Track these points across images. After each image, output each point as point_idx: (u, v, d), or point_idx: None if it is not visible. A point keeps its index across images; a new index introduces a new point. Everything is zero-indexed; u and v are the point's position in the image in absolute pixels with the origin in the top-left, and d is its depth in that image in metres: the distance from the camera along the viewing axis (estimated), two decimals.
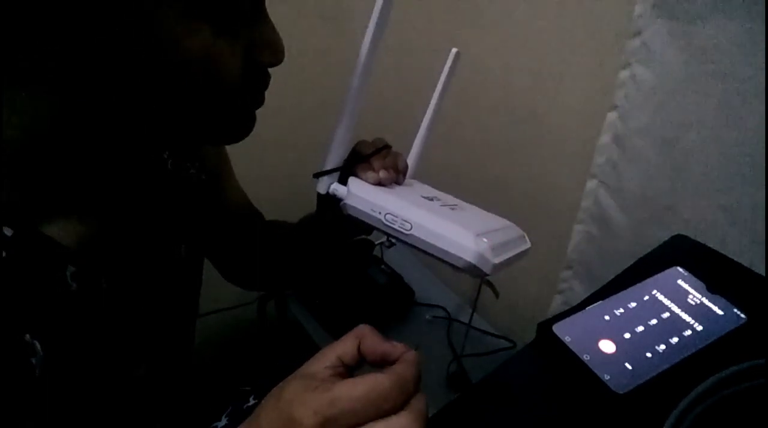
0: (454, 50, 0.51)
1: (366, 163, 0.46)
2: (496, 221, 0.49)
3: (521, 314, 1.06)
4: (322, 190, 0.46)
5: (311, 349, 0.35)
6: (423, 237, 0.43)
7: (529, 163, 0.88)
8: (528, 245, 0.49)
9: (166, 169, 0.48)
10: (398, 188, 0.48)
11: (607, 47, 0.69)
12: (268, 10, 0.37)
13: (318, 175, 0.46)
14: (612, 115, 0.69)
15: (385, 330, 1.03)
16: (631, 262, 0.58)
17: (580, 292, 0.83)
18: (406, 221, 0.43)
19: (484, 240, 0.41)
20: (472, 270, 0.40)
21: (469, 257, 0.40)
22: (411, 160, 0.56)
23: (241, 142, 0.42)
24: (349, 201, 0.45)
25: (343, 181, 0.46)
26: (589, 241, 0.78)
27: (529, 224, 0.89)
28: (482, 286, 1.05)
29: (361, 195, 0.45)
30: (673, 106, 0.62)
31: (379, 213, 0.44)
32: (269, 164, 1.09)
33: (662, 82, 0.62)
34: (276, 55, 0.37)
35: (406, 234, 0.43)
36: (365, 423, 0.29)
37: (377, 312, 1.04)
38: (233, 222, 0.64)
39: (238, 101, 0.37)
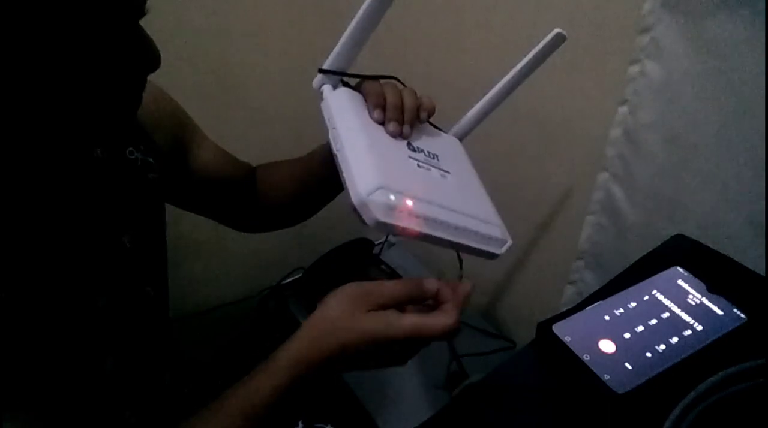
0: (556, 31, 0.48)
1: (373, 84, 0.47)
2: (469, 204, 0.47)
3: (521, 314, 1.06)
4: (315, 85, 0.47)
5: None
6: (340, 163, 0.42)
7: (541, 155, 0.88)
8: (497, 251, 0.46)
9: (93, 160, 0.47)
10: (386, 129, 0.47)
11: (617, 43, 0.69)
12: None
13: (322, 71, 0.46)
14: (623, 110, 0.70)
15: None
16: (641, 254, 0.58)
17: (592, 283, 0.83)
18: (338, 141, 0.43)
19: (391, 196, 0.39)
20: (358, 214, 0.39)
21: (356, 198, 0.39)
22: (463, 121, 0.55)
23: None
24: (323, 102, 0.46)
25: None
26: (600, 233, 0.79)
27: (541, 215, 0.89)
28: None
29: (330, 101, 0.46)
30: (682, 101, 0.63)
31: (330, 124, 0.44)
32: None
33: (671, 77, 0.63)
34: (148, 63, 0.37)
35: (336, 155, 0.43)
36: None
37: None
38: (215, 181, 0.64)
39: (115, 98, 0.37)
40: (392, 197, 0.39)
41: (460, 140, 0.57)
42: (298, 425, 0.88)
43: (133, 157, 0.51)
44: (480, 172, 0.54)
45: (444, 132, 0.57)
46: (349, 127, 0.44)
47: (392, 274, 1.12)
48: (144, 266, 0.52)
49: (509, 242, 0.47)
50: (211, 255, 1.15)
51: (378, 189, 0.39)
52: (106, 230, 0.47)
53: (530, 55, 0.49)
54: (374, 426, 0.85)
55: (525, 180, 0.92)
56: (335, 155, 0.43)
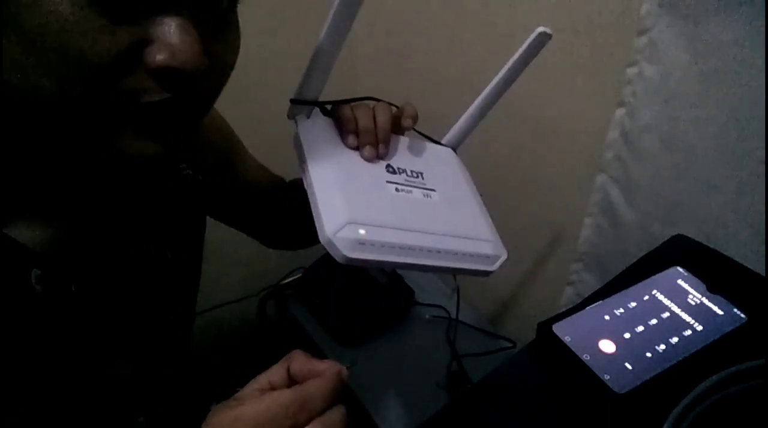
0: (539, 29, 0.45)
1: (344, 109, 0.46)
2: (456, 223, 0.45)
3: (521, 314, 1.06)
4: (288, 115, 0.46)
5: (311, 349, 0.35)
6: (310, 199, 0.41)
7: (539, 157, 0.88)
8: (489, 268, 0.44)
9: (153, 172, 0.47)
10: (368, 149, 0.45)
11: (615, 45, 0.69)
12: None
13: (293, 102, 0.45)
14: (620, 112, 0.70)
15: (385, 330, 1.03)
16: (640, 255, 0.58)
17: (591, 284, 0.83)
18: (307, 176, 0.42)
19: (361, 230, 0.38)
20: (331, 251, 0.38)
21: (322, 237, 0.38)
22: (455, 128, 0.53)
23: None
24: (294, 135, 0.45)
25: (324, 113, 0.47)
26: (599, 234, 0.79)
27: (540, 217, 0.89)
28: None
29: (302, 133, 0.44)
30: (680, 103, 0.63)
31: (301, 159, 0.44)
32: None
33: (668, 79, 0.63)
34: (173, 56, 0.29)
35: (307, 189, 0.42)
36: None
37: (377, 312, 1.04)
38: (255, 197, 0.64)
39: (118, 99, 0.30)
40: (362, 231, 0.38)
41: (455, 148, 0.55)
42: None
43: (185, 172, 0.51)
44: (478, 175, 0.53)
45: (439, 142, 0.54)
46: (320, 159, 0.43)
47: (392, 274, 1.12)
48: (181, 279, 0.52)
49: (503, 257, 0.45)
50: (211, 256, 1.15)
51: (346, 224, 0.38)
52: (153, 241, 0.47)
53: (515, 57, 0.47)
54: (374, 426, 0.85)
55: (523, 182, 0.93)
56: (307, 191, 0.42)
